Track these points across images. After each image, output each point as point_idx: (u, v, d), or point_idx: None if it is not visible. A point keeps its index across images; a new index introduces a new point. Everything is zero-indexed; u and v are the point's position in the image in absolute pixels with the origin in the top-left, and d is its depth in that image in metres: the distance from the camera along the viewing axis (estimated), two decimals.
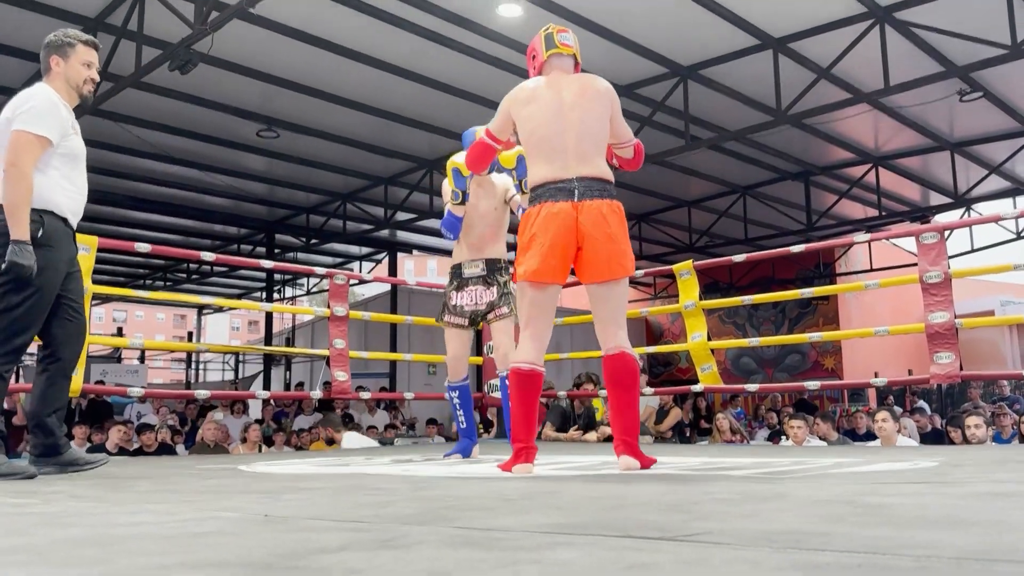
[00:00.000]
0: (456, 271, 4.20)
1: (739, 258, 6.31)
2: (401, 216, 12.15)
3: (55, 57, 3.19)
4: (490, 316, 4.11)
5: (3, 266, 2.89)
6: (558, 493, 2.16)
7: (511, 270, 3.97)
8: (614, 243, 2.87)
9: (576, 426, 6.80)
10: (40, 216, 3.00)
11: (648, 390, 7.01)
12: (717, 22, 7.25)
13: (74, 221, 3.21)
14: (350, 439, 7.09)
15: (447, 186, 4.03)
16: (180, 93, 8.11)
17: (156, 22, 6.48)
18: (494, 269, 4.17)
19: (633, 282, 17.53)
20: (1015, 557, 1.00)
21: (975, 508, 1.55)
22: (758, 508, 1.64)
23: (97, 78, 3.29)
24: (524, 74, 8.80)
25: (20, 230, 2.90)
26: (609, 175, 2.95)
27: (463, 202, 4.04)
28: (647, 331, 17.59)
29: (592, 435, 6.83)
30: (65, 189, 3.13)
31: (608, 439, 6.57)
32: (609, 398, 2.97)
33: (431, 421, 9.73)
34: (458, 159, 3.96)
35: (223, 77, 7.85)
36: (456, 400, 4.19)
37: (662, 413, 7.58)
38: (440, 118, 9.26)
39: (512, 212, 4.22)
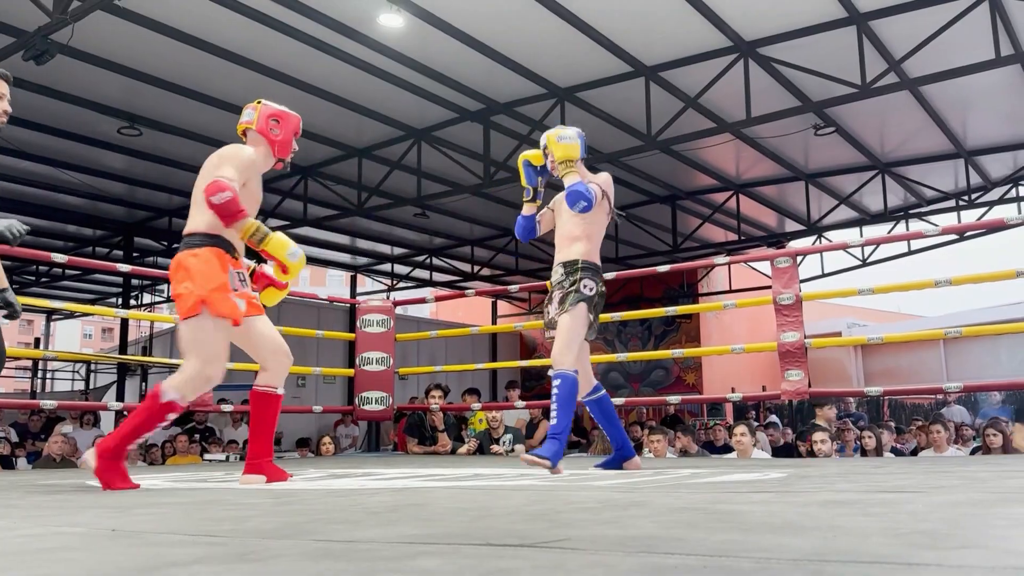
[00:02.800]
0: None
1: (609, 276, 6.48)
2: (272, 222, 11.83)
3: None
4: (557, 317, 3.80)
5: None
6: (424, 505, 2.15)
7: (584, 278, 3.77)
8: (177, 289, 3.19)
9: (432, 440, 6.83)
10: None
11: (520, 403, 7.10)
12: (594, 47, 7.47)
13: None
14: None
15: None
16: (34, 84, 7.60)
17: (10, 7, 6.08)
18: (571, 271, 3.82)
19: (508, 297, 17.73)
20: (844, 558, 1.08)
21: (815, 515, 1.66)
22: (617, 516, 1.69)
23: (9, 110, 3.23)
24: (403, 84, 8.75)
25: None
26: (194, 227, 3.23)
27: (534, 199, 3.77)
28: (521, 345, 17.80)
29: (463, 447, 6.85)
30: None
31: (477, 452, 6.61)
32: None
33: (302, 442, 9.48)
34: (531, 150, 3.82)
35: (83, 70, 7.43)
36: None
37: (532, 427, 7.67)
38: (316, 124, 9.09)
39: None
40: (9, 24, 6.29)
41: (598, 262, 3.88)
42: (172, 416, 3.17)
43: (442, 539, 1.36)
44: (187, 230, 3.24)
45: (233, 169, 3.21)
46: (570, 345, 3.67)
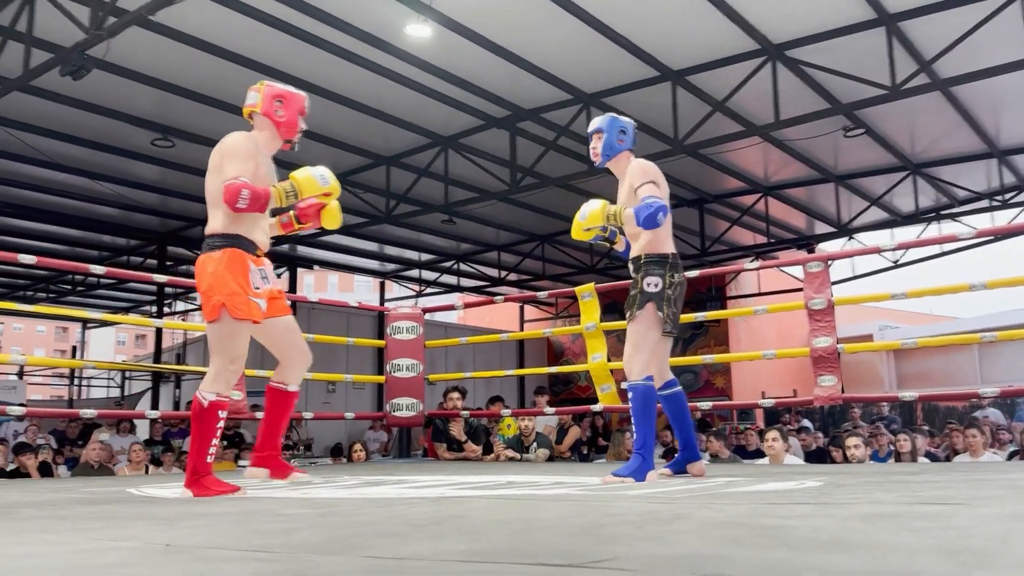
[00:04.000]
0: None
1: None
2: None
3: None
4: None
5: None
6: (465, 517, 2.17)
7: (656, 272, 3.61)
8: (201, 293, 3.26)
9: (457, 446, 6.82)
10: None
11: (548, 409, 7.11)
12: (620, 53, 7.47)
13: None
14: None
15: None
16: (70, 98, 7.76)
17: (48, 24, 6.19)
18: (636, 269, 3.69)
19: (536, 302, 17.74)
20: None
21: (859, 529, 1.65)
22: (660, 530, 1.70)
23: None
24: (430, 93, 8.78)
25: None
26: (212, 229, 3.25)
27: (611, 238, 3.70)
28: (548, 350, 17.81)
29: (490, 455, 6.86)
30: None
31: (510, 459, 6.61)
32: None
33: (336, 451, 9.54)
34: (583, 223, 3.75)
35: (118, 83, 7.56)
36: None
37: (561, 432, 7.67)
38: (344, 134, 9.19)
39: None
40: (47, 40, 6.42)
41: (665, 251, 3.64)
42: (223, 413, 3.21)
43: (491, 556, 1.37)
44: (207, 231, 3.26)
45: (238, 164, 3.23)
46: (636, 353, 3.57)
